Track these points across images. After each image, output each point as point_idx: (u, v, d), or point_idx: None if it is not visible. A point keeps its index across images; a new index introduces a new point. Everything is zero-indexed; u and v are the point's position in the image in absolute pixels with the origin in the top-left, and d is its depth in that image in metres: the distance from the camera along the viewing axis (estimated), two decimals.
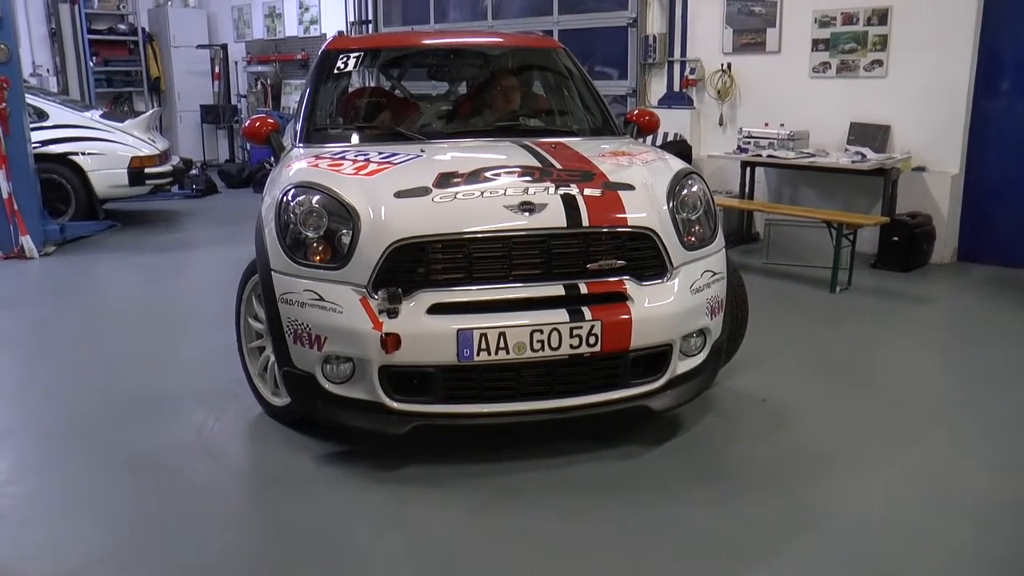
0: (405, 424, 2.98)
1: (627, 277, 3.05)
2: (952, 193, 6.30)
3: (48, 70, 11.38)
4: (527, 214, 2.99)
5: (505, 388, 3.00)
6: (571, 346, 2.92)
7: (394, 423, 2.99)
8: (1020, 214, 6.16)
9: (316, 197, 3.11)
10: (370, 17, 10.66)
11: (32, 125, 7.00)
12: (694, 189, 3.35)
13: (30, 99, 7.19)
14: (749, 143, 7.00)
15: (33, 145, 6.89)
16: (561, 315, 2.93)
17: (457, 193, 3.08)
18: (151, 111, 9.21)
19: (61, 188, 7.49)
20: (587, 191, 3.12)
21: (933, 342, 4.85)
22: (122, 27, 12.75)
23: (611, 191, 3.17)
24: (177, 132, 12.64)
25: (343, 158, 3.47)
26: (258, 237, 3.34)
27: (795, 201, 7.03)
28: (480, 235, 2.95)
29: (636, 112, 4.41)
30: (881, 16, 6.44)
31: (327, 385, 3.05)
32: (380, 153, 3.52)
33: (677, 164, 3.55)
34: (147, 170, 7.76)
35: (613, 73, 8.32)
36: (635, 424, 3.39)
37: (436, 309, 2.90)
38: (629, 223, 3.09)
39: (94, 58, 11.36)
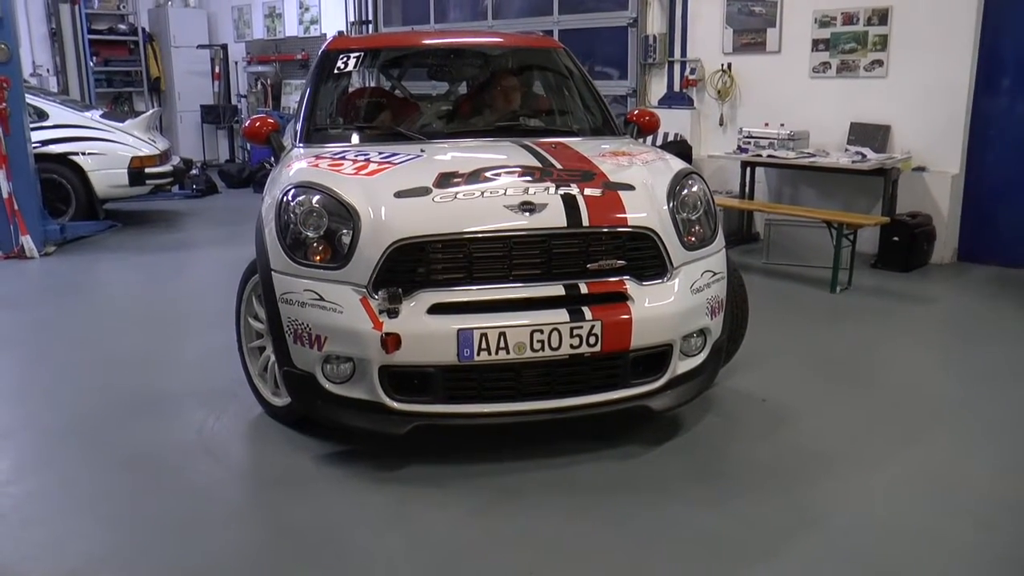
0: (405, 424, 2.98)
1: (627, 277, 3.05)
2: (952, 193, 6.30)
3: (48, 70, 11.39)
4: (527, 214, 2.99)
5: (505, 388, 2.99)
6: (571, 346, 2.92)
7: (394, 423, 2.99)
8: (1020, 214, 6.16)
9: (316, 197, 3.11)
10: (370, 17, 10.66)
11: (32, 125, 7.00)
12: (694, 189, 3.35)
13: (30, 99, 7.19)
14: (749, 143, 7.00)
15: (33, 145, 6.89)
16: (561, 315, 2.93)
17: (457, 193, 3.08)
18: (151, 111, 9.21)
19: (61, 188, 7.49)
20: (587, 191, 3.12)
21: (933, 342, 4.85)
22: (122, 27, 12.76)
23: (611, 191, 3.17)
24: (177, 132, 12.64)
25: (343, 158, 3.47)
26: (258, 237, 3.34)
27: (795, 201, 7.03)
28: (480, 235, 2.95)
29: (636, 112, 4.41)
30: (881, 16, 6.44)
31: (327, 385, 3.05)
32: (380, 153, 3.52)
33: (677, 164, 3.55)
34: (147, 170, 7.76)
35: (613, 73, 8.32)
36: (635, 424, 3.39)
37: (436, 309, 2.90)
38: (629, 223, 3.09)
39: (94, 58, 11.36)
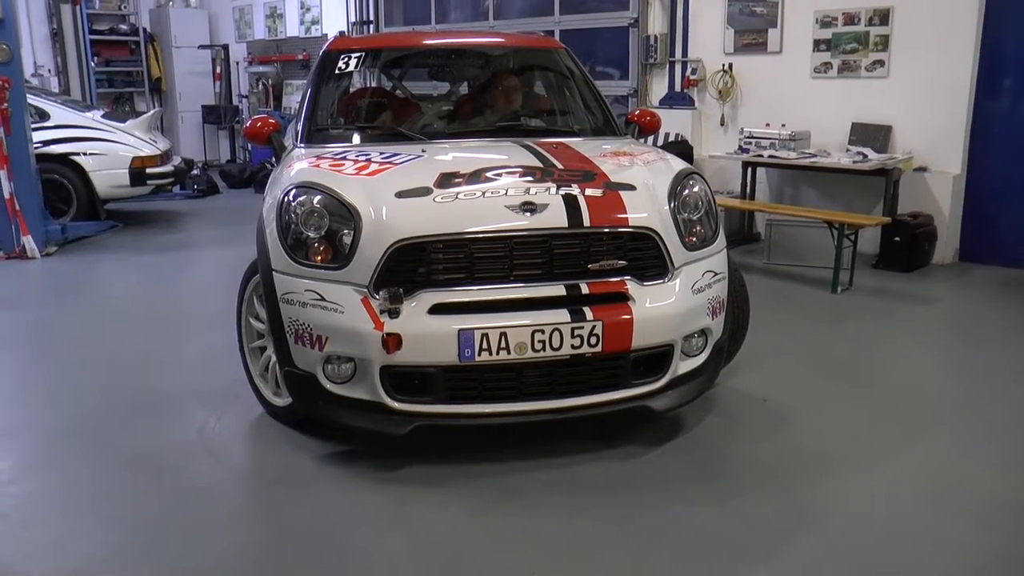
0: (406, 424, 2.98)
1: (628, 277, 3.05)
2: (954, 193, 6.30)
3: (49, 70, 11.40)
4: (528, 214, 2.99)
5: (506, 388, 2.99)
6: (572, 346, 2.92)
7: (395, 423, 2.99)
8: (1022, 214, 6.15)
9: (317, 197, 3.11)
10: (371, 17, 10.67)
11: (34, 125, 7.00)
12: (695, 189, 3.35)
13: (32, 99, 7.19)
14: (750, 143, 7.00)
15: (35, 145, 6.90)
16: (562, 315, 2.93)
17: (458, 193, 3.08)
18: (152, 111, 9.22)
19: (62, 188, 7.50)
20: (588, 191, 3.12)
21: (934, 342, 4.84)
22: (123, 27, 12.76)
23: (612, 191, 3.17)
24: (178, 132, 12.64)
25: (344, 158, 3.47)
26: (259, 237, 3.34)
27: (796, 201, 7.03)
28: (481, 235, 2.95)
29: (637, 112, 4.41)
30: (882, 16, 6.44)
31: (328, 385, 3.05)
32: (381, 153, 3.52)
33: (678, 164, 3.55)
34: (148, 170, 7.76)
35: (614, 73, 8.32)
36: (636, 424, 3.39)
37: (437, 309, 2.90)
38: (630, 223, 3.09)
39: (95, 58, 11.36)
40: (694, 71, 7.64)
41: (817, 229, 5.98)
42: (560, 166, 3.35)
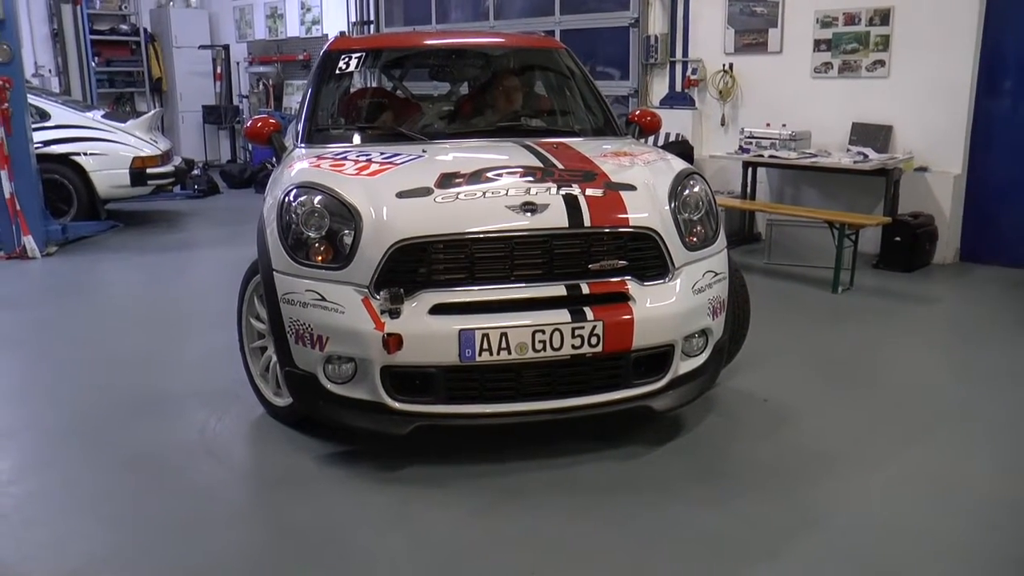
0: (407, 424, 2.98)
1: (629, 277, 3.05)
2: (954, 193, 6.30)
3: (50, 70, 11.40)
4: (529, 214, 2.99)
5: (507, 388, 2.99)
6: (573, 346, 2.92)
7: (396, 423, 2.99)
8: (1023, 214, 6.15)
9: (318, 197, 3.11)
10: (372, 18, 10.67)
11: (34, 125, 7.00)
12: (696, 189, 3.35)
13: (32, 99, 7.19)
14: (751, 143, 7.00)
15: (35, 145, 6.90)
16: (563, 315, 2.93)
17: (459, 193, 3.08)
18: (153, 111, 9.22)
19: (63, 188, 7.50)
20: (589, 191, 3.12)
21: (935, 342, 4.84)
22: (124, 27, 12.77)
23: (613, 191, 3.17)
24: (179, 132, 12.65)
25: (345, 158, 3.47)
26: (260, 237, 3.34)
27: (797, 201, 7.03)
28: (482, 235, 2.95)
29: (638, 112, 4.41)
30: (883, 16, 6.44)
31: (329, 385, 3.05)
32: (382, 153, 3.52)
33: (679, 164, 3.55)
34: (149, 170, 7.76)
35: (615, 73, 8.32)
36: (637, 424, 3.39)
37: (438, 309, 2.90)
38: (631, 223, 3.09)
39: (96, 58, 11.37)
40: (695, 71, 7.64)
41: (818, 229, 5.98)
42: (561, 166, 3.35)
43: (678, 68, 7.86)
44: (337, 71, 4.33)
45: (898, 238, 6.12)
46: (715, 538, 2.67)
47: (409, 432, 2.98)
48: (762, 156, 6.80)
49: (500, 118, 4.19)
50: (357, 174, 3.27)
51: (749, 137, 7.04)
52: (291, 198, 3.16)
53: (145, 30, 12.76)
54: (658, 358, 3.12)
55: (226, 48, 12.53)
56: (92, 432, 3.49)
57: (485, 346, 2.87)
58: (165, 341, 4.71)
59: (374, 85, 5.41)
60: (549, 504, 2.87)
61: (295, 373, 3.14)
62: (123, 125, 7.93)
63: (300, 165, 3.46)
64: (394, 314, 2.89)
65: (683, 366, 3.19)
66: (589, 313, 2.94)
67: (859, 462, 3.18)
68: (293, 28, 11.89)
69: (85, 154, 7.52)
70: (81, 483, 3.08)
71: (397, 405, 2.97)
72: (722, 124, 7.53)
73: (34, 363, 4.44)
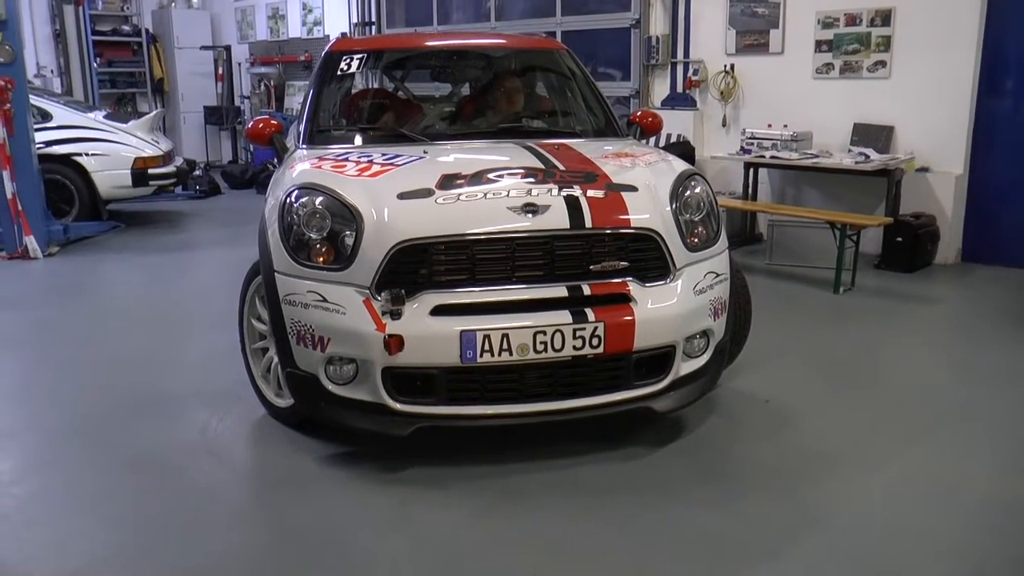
0: (408, 425, 2.98)
1: (630, 278, 3.05)
2: (956, 194, 6.30)
3: (52, 71, 11.42)
4: (530, 215, 2.99)
5: (508, 390, 3.00)
6: (574, 347, 2.92)
7: (397, 424, 3.00)
8: None
9: (319, 198, 3.11)
10: (373, 19, 10.67)
11: (36, 126, 7.02)
12: (697, 190, 3.35)
13: (34, 100, 7.20)
14: (752, 144, 6.99)
15: (37, 146, 6.91)
16: (564, 316, 2.93)
17: (460, 194, 3.08)
18: (155, 112, 9.23)
19: (65, 189, 7.51)
20: (590, 192, 3.12)
21: (937, 343, 4.84)
22: (126, 28, 12.79)
23: (614, 192, 3.17)
24: (180, 133, 12.66)
25: (346, 159, 3.47)
26: (261, 238, 3.35)
27: (798, 202, 7.02)
28: (483, 236, 2.95)
29: (639, 113, 4.41)
30: (884, 17, 6.43)
31: (330, 386, 3.05)
32: (383, 155, 3.52)
33: (680, 165, 3.55)
34: (150, 171, 7.77)
35: (616, 74, 8.32)
36: (638, 425, 3.39)
37: (439, 310, 2.91)
38: (632, 224, 3.09)
39: (98, 59, 11.38)
40: (696, 72, 7.64)
41: (819, 230, 5.98)
42: (562, 167, 3.35)
43: (679, 69, 7.86)
44: (338, 72, 4.34)
45: (900, 238, 6.12)
46: (716, 539, 2.67)
47: (410, 433, 2.98)
48: (763, 157, 6.80)
49: (501, 119, 4.19)
50: (358, 175, 3.27)
51: (750, 138, 7.04)
52: (293, 199, 3.16)
53: (147, 31, 12.77)
54: (659, 359, 3.12)
55: (228, 49, 12.55)
56: (93, 432, 3.49)
57: (486, 347, 2.87)
58: (166, 341, 4.71)
59: (375, 86, 5.41)
60: (550, 505, 2.87)
61: (296, 374, 3.15)
62: (125, 126, 7.94)
63: (301, 166, 3.46)
64: (395, 315, 2.89)
65: (684, 367, 3.19)
66: (590, 314, 2.94)
67: (860, 462, 3.18)
68: (295, 29, 11.90)
69: (87, 154, 7.54)
70: (82, 483, 3.08)
71: (398, 406, 2.97)
72: (723, 125, 7.53)
73: (36, 363, 4.44)
